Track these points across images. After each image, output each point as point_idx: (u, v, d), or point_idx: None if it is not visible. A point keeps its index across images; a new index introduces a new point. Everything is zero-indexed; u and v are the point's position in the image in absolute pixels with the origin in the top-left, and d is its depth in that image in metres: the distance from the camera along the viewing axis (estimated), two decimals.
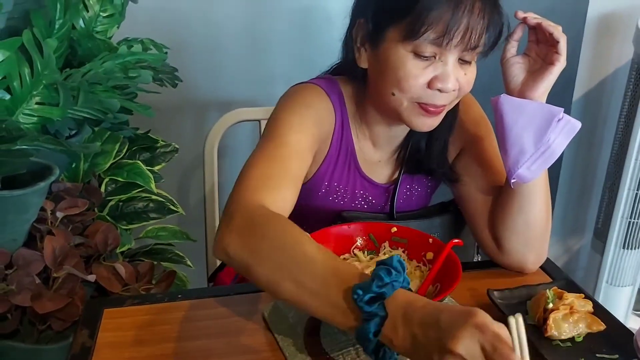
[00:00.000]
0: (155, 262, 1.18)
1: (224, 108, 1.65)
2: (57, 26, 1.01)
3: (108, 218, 1.21)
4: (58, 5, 1.00)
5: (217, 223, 1.52)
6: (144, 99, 1.40)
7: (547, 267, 1.08)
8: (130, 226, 1.34)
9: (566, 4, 1.84)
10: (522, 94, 0.95)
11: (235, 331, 0.84)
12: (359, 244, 0.97)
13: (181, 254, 1.59)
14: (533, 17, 0.93)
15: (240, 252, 0.73)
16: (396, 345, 0.62)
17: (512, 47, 0.96)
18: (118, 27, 1.47)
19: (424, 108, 0.93)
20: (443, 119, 1.00)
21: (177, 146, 1.57)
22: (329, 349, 0.80)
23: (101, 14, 1.37)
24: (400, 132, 1.06)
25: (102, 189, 1.36)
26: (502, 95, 0.96)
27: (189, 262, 1.58)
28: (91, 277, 0.95)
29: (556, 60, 0.92)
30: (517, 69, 0.96)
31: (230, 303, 0.92)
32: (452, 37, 0.86)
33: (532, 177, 0.95)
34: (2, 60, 0.82)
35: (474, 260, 1.20)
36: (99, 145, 1.34)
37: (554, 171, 2.08)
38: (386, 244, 0.97)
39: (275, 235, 0.74)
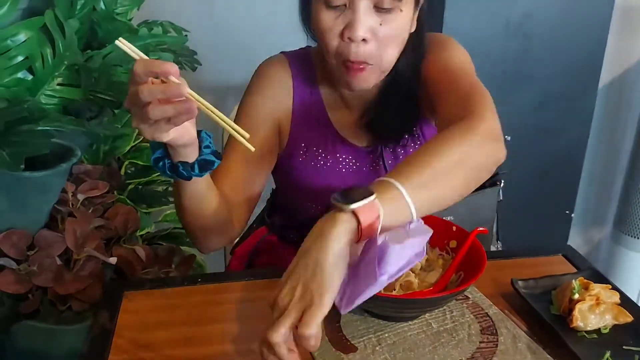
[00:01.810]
0: (174, 246, 1.18)
1: (242, 92, 1.65)
2: (78, 7, 1.00)
3: (128, 201, 1.21)
4: None
5: None
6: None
7: (572, 256, 1.06)
8: (150, 209, 1.34)
9: None
10: None
11: (254, 316, 0.84)
12: None
13: (203, 262, 1.59)
14: None
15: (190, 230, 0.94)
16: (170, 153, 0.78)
17: None
18: (138, 9, 1.46)
19: (345, 65, 0.94)
20: (399, 83, 1.00)
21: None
22: (350, 337, 0.80)
23: None
24: (365, 92, 1.04)
25: (122, 171, 1.36)
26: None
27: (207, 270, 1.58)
28: (112, 260, 0.95)
29: None
30: None
31: (250, 288, 0.91)
32: None
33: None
34: (24, 41, 0.81)
35: (494, 249, 1.19)
36: (120, 128, 1.34)
37: (576, 162, 2.05)
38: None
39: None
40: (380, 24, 0.91)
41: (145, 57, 0.72)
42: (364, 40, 0.91)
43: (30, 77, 0.87)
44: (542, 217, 2.05)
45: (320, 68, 1.09)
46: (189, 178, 0.81)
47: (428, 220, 0.96)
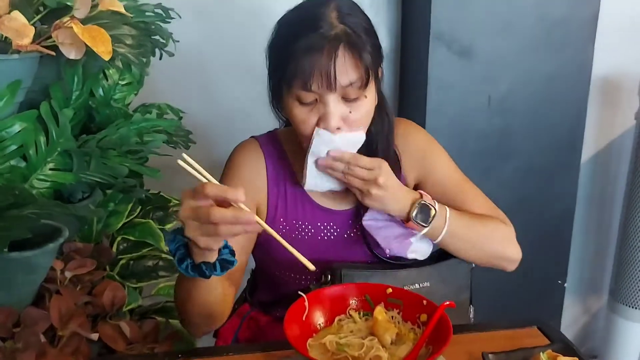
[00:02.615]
0: (163, 320, 1.21)
1: None
2: (74, 97, 1.09)
3: (116, 277, 1.25)
4: (75, 78, 1.08)
5: None
6: (160, 160, 1.46)
7: (546, 328, 1.08)
8: (139, 284, 1.38)
9: (569, 67, 1.89)
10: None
11: None
12: (354, 305, 0.99)
13: None
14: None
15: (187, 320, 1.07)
16: (197, 254, 0.86)
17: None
18: (136, 94, 1.55)
19: None
20: (375, 147, 1.12)
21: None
22: None
23: (120, 82, 1.45)
24: None
25: (115, 247, 1.41)
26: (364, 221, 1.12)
27: None
28: (94, 336, 0.98)
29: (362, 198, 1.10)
30: None
31: None
32: (313, 82, 0.97)
33: (429, 247, 1.12)
34: (19, 131, 0.88)
35: (471, 323, 1.21)
36: (113, 206, 1.40)
37: (565, 232, 2.08)
38: (381, 306, 0.99)
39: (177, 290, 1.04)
40: (350, 112, 1.02)
41: (212, 178, 0.84)
42: (337, 128, 1.01)
43: (23, 163, 0.94)
44: (534, 287, 2.06)
45: (290, 146, 1.17)
46: (209, 277, 0.89)
47: (401, 294, 1.00)
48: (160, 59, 1.54)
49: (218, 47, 1.89)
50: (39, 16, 1.06)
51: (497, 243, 1.16)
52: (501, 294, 1.91)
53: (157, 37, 1.50)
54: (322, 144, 1.02)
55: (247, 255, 1.15)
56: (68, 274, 1.05)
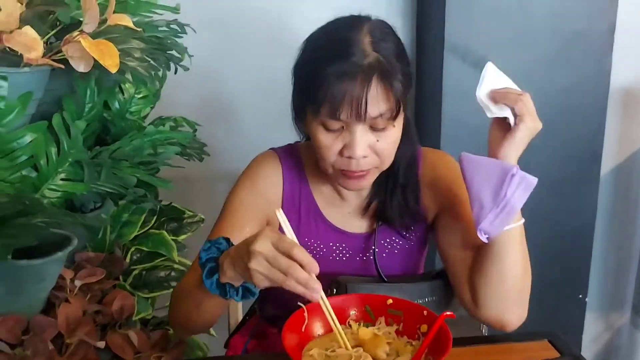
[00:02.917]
0: (167, 331, 1.22)
1: None
2: (86, 109, 1.11)
3: (127, 287, 1.27)
4: (88, 91, 1.10)
5: None
6: (176, 171, 1.49)
7: (557, 342, 1.06)
8: (151, 294, 1.40)
9: (587, 79, 1.87)
10: (492, 152, 0.99)
11: None
12: (354, 316, 0.99)
13: None
14: (494, 93, 0.99)
15: (180, 327, 1.11)
16: (227, 275, 0.88)
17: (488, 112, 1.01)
18: (152, 107, 1.58)
19: (344, 173, 1.02)
20: (396, 172, 1.10)
21: (202, 217, 1.64)
22: None
23: (136, 95, 1.48)
24: None
25: (128, 258, 1.43)
26: (462, 153, 1.00)
27: (212, 332, 1.61)
28: (100, 344, 1.00)
29: (519, 121, 0.96)
30: (496, 129, 1.00)
31: None
32: (342, 111, 0.94)
33: (496, 231, 0.98)
34: (30, 142, 0.91)
35: (482, 335, 1.20)
36: (126, 216, 1.43)
37: (585, 246, 2.04)
38: (382, 319, 0.99)
39: (182, 295, 1.05)
40: (377, 141, 1.00)
41: (294, 237, 0.89)
42: (364, 156, 1.00)
43: (35, 173, 0.96)
44: (554, 302, 2.02)
45: (309, 162, 1.16)
46: (228, 299, 0.91)
47: (402, 304, 0.99)
48: (175, 73, 1.57)
49: (234, 60, 1.92)
50: (54, 31, 1.10)
51: (527, 283, 1.06)
52: None
53: (172, 51, 1.54)
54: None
55: None
56: (78, 283, 1.07)
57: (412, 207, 1.15)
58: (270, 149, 1.23)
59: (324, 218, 1.15)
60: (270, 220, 1.14)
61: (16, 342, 0.96)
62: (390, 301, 0.99)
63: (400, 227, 1.16)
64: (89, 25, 0.91)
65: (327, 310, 0.91)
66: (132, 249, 1.45)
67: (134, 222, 1.41)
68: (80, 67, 0.94)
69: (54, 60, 0.95)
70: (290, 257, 0.82)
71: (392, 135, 1.01)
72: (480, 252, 1.04)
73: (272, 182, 1.15)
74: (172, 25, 1.57)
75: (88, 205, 1.13)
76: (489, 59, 1.83)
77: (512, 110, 0.97)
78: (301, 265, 0.81)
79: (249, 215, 1.10)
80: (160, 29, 1.49)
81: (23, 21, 0.94)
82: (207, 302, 0.98)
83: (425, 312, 0.96)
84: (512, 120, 0.98)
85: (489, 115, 1.00)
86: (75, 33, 0.92)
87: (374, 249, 1.13)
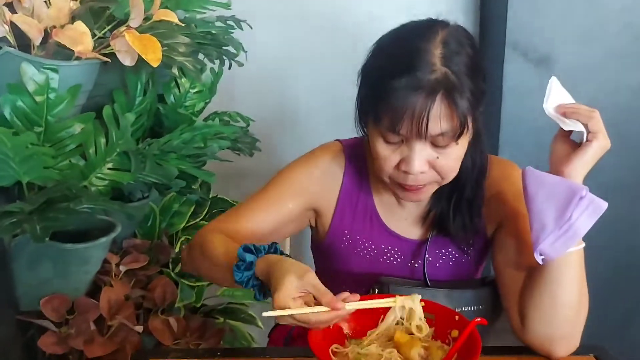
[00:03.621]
0: (221, 320, 1.25)
1: None
2: (137, 102, 1.16)
3: (172, 274, 1.31)
4: (139, 85, 1.14)
5: None
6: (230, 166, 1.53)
7: (605, 357, 1.01)
8: (197, 283, 1.43)
9: None
10: (556, 168, 0.94)
11: None
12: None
13: (253, 314, 1.66)
14: (564, 107, 0.93)
15: (189, 268, 1.05)
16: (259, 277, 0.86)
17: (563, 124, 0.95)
18: (208, 102, 1.62)
19: (401, 185, 0.97)
20: (463, 185, 1.03)
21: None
22: None
23: (190, 90, 1.52)
24: None
25: (177, 247, 1.48)
26: (527, 167, 0.95)
27: (259, 323, 1.64)
28: (138, 328, 1.04)
29: (592, 138, 0.90)
30: (561, 144, 0.95)
31: None
32: (402, 126, 0.89)
33: (556, 254, 0.91)
34: (78, 132, 0.96)
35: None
36: (177, 206, 1.48)
37: None
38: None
39: (207, 253, 0.98)
40: (437, 157, 0.94)
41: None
42: (422, 172, 0.95)
43: (83, 162, 1.01)
44: (617, 317, 1.91)
45: (373, 161, 1.13)
46: (258, 300, 0.90)
47: (433, 307, 0.96)
48: (230, 68, 1.61)
49: (294, 54, 1.94)
50: (110, 26, 1.15)
51: (582, 315, 0.99)
52: None
53: (227, 47, 1.57)
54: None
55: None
56: (122, 268, 1.12)
57: (475, 223, 1.09)
58: (336, 140, 1.18)
59: (380, 220, 1.12)
60: (321, 209, 1.12)
61: (60, 320, 1.02)
62: (422, 304, 0.97)
63: (460, 242, 1.11)
64: (135, 20, 0.94)
65: (360, 306, 0.89)
66: (182, 238, 1.50)
67: (184, 213, 1.46)
68: (127, 60, 0.97)
69: (104, 54, 1.00)
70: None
71: (454, 153, 0.95)
72: (533, 274, 0.98)
73: (331, 173, 1.11)
74: (228, 21, 1.61)
75: (136, 194, 1.17)
76: (553, 56, 1.77)
77: (585, 126, 0.92)
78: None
79: (296, 192, 1.07)
80: (216, 24, 1.54)
81: (76, 16, 0.98)
82: (226, 278, 0.94)
83: (457, 317, 0.93)
84: (584, 137, 0.93)
85: (565, 127, 0.94)
86: (122, 28, 0.95)
87: (426, 257, 1.11)
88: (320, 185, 1.10)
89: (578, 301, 0.96)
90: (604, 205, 0.89)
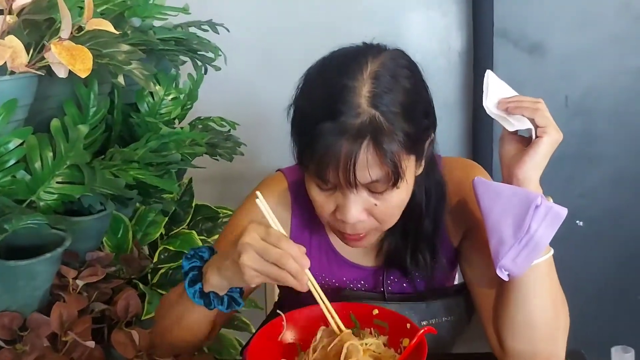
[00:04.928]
0: None
1: None
2: (91, 113, 1.14)
3: (141, 286, 1.29)
4: (92, 95, 1.13)
5: (276, 289, 1.56)
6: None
7: None
8: None
9: None
10: (507, 172, 0.87)
11: None
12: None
13: (247, 321, 1.63)
14: (506, 103, 0.86)
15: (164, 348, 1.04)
16: (211, 283, 0.88)
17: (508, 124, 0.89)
18: (190, 108, 1.61)
19: (342, 234, 0.92)
20: (418, 224, 0.97)
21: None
22: None
23: (165, 97, 1.51)
24: None
25: (156, 257, 1.46)
26: (475, 177, 0.89)
27: (253, 329, 1.61)
28: (90, 344, 1.02)
29: (542, 133, 0.84)
30: (509, 144, 0.88)
31: None
32: (329, 174, 0.83)
33: (519, 270, 0.85)
34: (16, 147, 0.95)
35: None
36: (152, 216, 1.46)
37: None
38: (366, 331, 0.93)
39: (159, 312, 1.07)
40: (376, 204, 0.88)
41: (280, 226, 0.86)
42: (359, 220, 0.89)
43: (29, 177, 1.00)
44: (619, 310, 1.81)
45: None
46: (212, 309, 0.89)
47: (388, 315, 0.92)
48: (205, 73, 1.59)
49: (274, 57, 1.91)
50: (54, 38, 1.13)
51: (561, 323, 0.92)
52: (584, 319, 1.70)
53: (202, 52, 1.55)
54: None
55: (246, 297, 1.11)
56: (80, 282, 1.10)
57: (435, 257, 1.03)
58: (278, 170, 1.13)
59: (337, 252, 1.08)
60: None
61: (12, 338, 1.01)
62: (376, 311, 0.93)
63: (420, 278, 1.06)
64: (65, 32, 0.92)
65: (319, 295, 0.89)
66: (161, 248, 1.48)
67: (159, 222, 1.44)
68: (61, 72, 0.96)
69: (43, 67, 0.99)
70: (277, 247, 0.79)
71: (395, 198, 0.88)
72: (502, 293, 0.91)
73: (278, 213, 1.01)
74: (202, 26, 1.59)
75: (96, 207, 1.16)
76: (547, 43, 1.69)
77: (532, 121, 0.85)
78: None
79: None
80: (190, 29, 1.52)
81: (12, 31, 0.97)
82: (189, 316, 0.95)
83: (408, 325, 0.88)
84: (533, 133, 0.86)
85: (510, 128, 0.87)
86: (55, 39, 0.94)
87: (388, 282, 1.05)
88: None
89: (554, 314, 0.89)
90: (563, 211, 0.83)
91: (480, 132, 1.80)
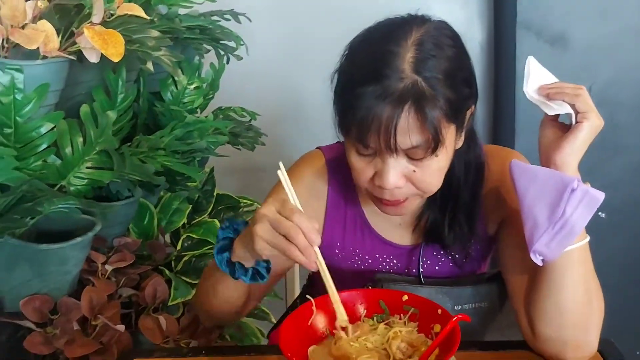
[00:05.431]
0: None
1: None
2: (119, 100, 1.15)
3: (166, 272, 1.30)
4: (120, 82, 1.14)
5: (297, 280, 1.56)
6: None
7: (609, 351, 0.94)
8: (197, 281, 1.42)
9: None
10: (546, 156, 0.86)
11: None
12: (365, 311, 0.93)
13: (267, 310, 1.64)
14: (547, 89, 0.85)
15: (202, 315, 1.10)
16: (237, 254, 0.89)
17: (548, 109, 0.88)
18: (211, 97, 1.61)
19: (379, 199, 0.91)
20: (457, 191, 0.96)
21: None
22: None
23: (188, 86, 1.51)
24: None
25: (179, 244, 1.47)
26: (512, 160, 0.88)
27: (273, 319, 1.62)
28: (120, 327, 1.03)
29: (582, 119, 0.83)
30: (549, 129, 0.88)
31: None
32: (370, 138, 0.83)
33: (552, 255, 0.83)
34: (48, 131, 0.96)
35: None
36: (177, 204, 1.47)
37: None
38: (396, 317, 0.93)
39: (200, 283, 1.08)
40: (414, 171, 0.87)
41: (297, 200, 0.87)
42: (397, 187, 0.88)
43: (59, 161, 1.01)
44: None
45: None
46: (237, 278, 0.89)
47: (417, 302, 0.91)
48: (227, 62, 1.59)
49: (296, 47, 1.91)
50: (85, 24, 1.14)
51: (594, 314, 0.90)
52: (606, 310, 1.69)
53: (225, 42, 1.55)
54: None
55: (275, 280, 1.11)
56: (108, 267, 1.11)
57: (473, 231, 1.02)
58: (317, 147, 1.13)
59: (371, 228, 1.06)
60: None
61: (43, 321, 1.02)
62: (405, 297, 0.92)
63: (457, 253, 1.04)
64: (97, 16, 0.93)
65: (325, 277, 0.87)
66: (184, 236, 1.49)
67: (183, 210, 1.45)
68: (92, 57, 0.96)
69: (74, 52, 0.99)
70: (290, 220, 0.79)
71: (433, 165, 0.87)
72: (536, 276, 0.90)
73: (315, 188, 1.06)
74: (225, 15, 1.59)
75: (124, 193, 1.17)
76: (569, 35, 1.67)
77: (572, 106, 0.84)
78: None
79: None
80: (212, 18, 1.52)
81: (44, 15, 0.98)
82: (221, 284, 0.96)
83: (439, 311, 0.88)
84: (573, 118, 0.85)
85: (550, 112, 0.85)
86: (87, 24, 0.94)
87: (422, 262, 1.04)
88: (307, 205, 1.04)
89: (586, 302, 0.88)
90: (600, 196, 0.81)
91: (502, 124, 1.79)
